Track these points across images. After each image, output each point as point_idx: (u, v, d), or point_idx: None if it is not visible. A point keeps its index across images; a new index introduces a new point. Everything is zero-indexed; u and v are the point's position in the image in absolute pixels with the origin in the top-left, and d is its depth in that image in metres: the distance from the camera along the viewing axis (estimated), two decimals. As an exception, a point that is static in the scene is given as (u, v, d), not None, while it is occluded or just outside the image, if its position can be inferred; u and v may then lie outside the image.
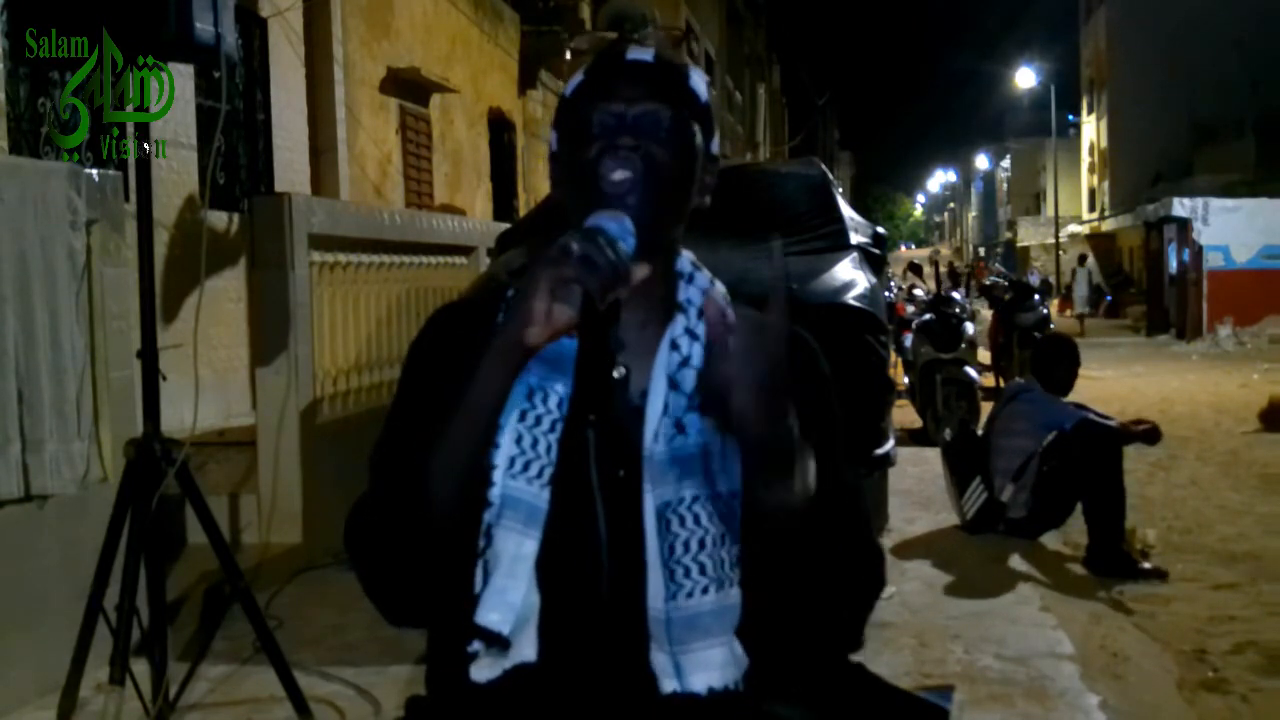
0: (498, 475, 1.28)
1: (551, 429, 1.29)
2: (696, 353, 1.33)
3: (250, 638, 3.37)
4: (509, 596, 1.26)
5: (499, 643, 1.27)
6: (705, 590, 1.28)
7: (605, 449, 1.30)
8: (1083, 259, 31.46)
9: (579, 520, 1.29)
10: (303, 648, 3.68)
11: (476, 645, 1.28)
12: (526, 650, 1.28)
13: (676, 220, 1.38)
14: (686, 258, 1.42)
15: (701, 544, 1.28)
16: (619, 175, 1.31)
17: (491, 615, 1.26)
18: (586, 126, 1.36)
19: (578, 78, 1.42)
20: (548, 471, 1.28)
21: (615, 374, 1.32)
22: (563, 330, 1.20)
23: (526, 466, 1.28)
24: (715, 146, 1.43)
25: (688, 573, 1.27)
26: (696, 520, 1.28)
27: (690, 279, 1.40)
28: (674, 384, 1.32)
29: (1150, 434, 5.60)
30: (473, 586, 1.28)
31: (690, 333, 1.35)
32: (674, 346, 1.34)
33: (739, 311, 1.36)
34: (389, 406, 1.43)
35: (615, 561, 1.29)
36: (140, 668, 3.10)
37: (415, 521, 1.27)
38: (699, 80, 1.42)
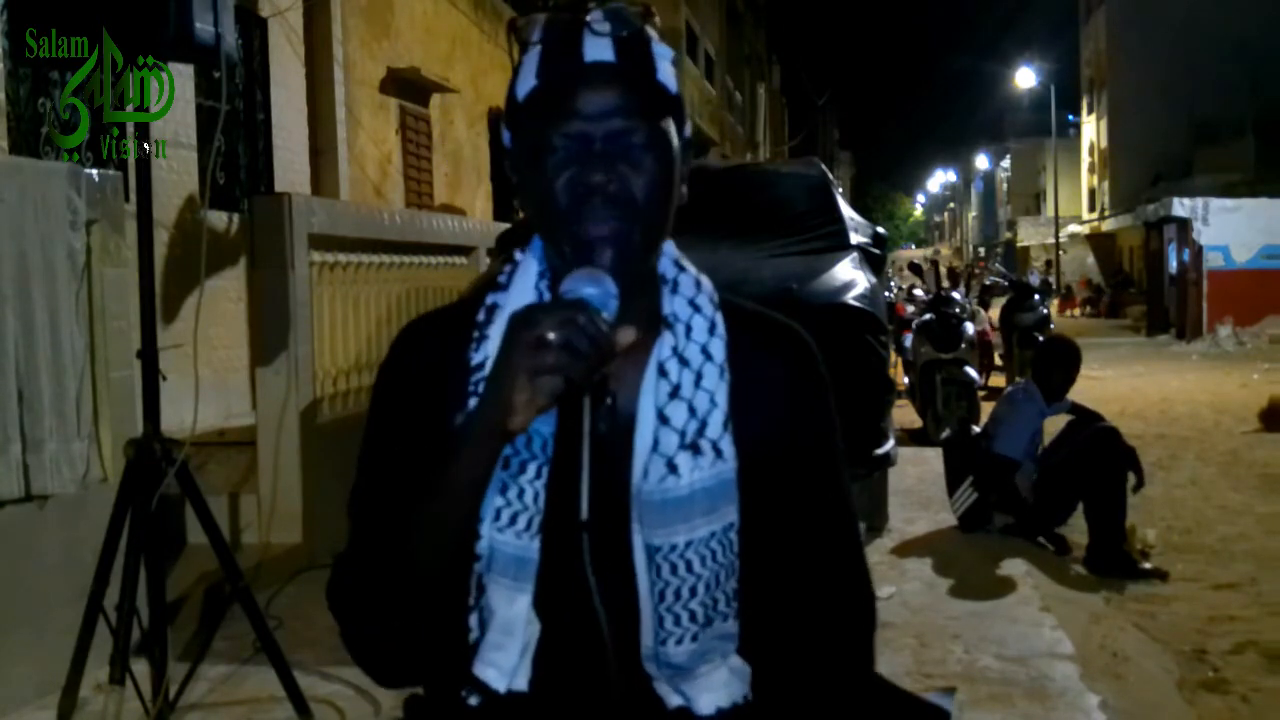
0: (484, 528, 1.21)
1: (538, 475, 1.22)
2: (687, 380, 1.24)
3: (250, 638, 3.37)
4: (506, 653, 1.23)
5: (493, 695, 1.24)
6: (695, 637, 1.23)
7: (596, 497, 1.24)
8: (1048, 264, 38.77)
9: (572, 566, 1.24)
10: (303, 648, 3.67)
11: (471, 695, 1.26)
12: (520, 681, 1.25)
13: (660, 238, 1.27)
14: (669, 257, 1.32)
15: (693, 591, 1.22)
16: (595, 232, 1.20)
17: (488, 671, 1.24)
18: (546, 149, 1.21)
19: (529, 79, 1.24)
20: (536, 521, 1.22)
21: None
22: (547, 409, 1.13)
23: (514, 519, 1.21)
24: (688, 131, 1.31)
25: (677, 620, 1.23)
26: (689, 567, 1.22)
27: (675, 286, 1.30)
28: (664, 418, 1.23)
29: (1139, 474, 5.61)
30: (468, 635, 1.25)
31: (680, 356, 1.25)
32: (662, 372, 1.24)
33: (736, 316, 1.31)
34: (361, 442, 1.33)
35: (608, 601, 1.24)
36: (140, 668, 3.10)
37: (399, 584, 1.22)
38: (666, 65, 1.25)
